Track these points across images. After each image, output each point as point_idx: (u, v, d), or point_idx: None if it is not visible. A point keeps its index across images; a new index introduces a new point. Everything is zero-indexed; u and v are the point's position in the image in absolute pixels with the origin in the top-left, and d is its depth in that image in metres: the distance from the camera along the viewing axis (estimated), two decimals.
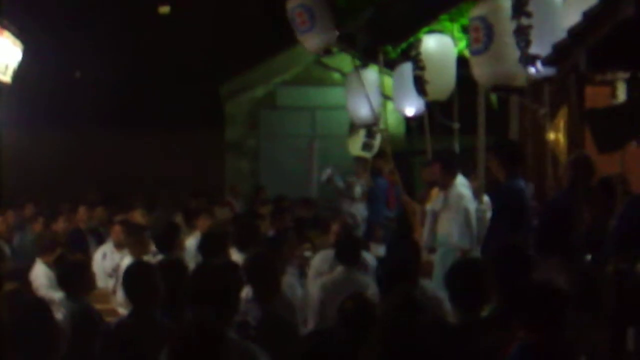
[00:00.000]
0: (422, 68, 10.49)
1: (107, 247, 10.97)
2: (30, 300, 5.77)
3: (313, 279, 8.41)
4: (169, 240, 8.95)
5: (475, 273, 5.47)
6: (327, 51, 12.44)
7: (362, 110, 12.23)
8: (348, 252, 7.80)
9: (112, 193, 16.25)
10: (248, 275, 6.08)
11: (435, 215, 9.58)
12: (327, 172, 13.99)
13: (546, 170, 9.54)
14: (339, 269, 7.71)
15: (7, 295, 5.84)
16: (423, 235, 9.77)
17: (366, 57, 13.33)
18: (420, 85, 10.57)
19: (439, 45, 10.62)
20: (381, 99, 12.50)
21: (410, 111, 11.54)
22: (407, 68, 11.21)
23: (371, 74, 12.51)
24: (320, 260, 8.69)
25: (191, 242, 10.19)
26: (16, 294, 5.84)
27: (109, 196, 15.52)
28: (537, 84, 8.96)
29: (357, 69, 12.31)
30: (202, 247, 8.39)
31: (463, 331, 5.18)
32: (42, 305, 5.20)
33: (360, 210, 13.06)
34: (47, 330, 5.02)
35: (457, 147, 10.88)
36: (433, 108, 10.92)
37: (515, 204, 8.15)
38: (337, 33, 11.98)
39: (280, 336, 5.51)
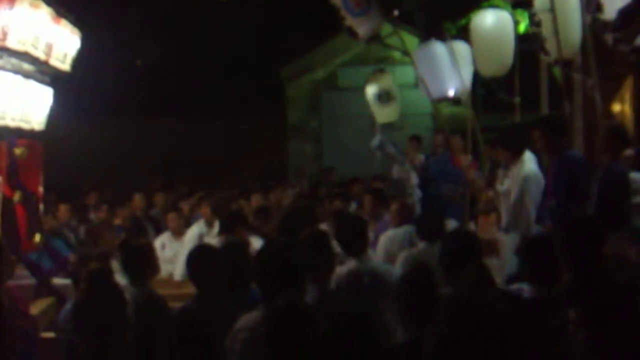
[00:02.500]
0: (472, 44, 10.39)
1: (166, 237, 10.99)
2: (112, 283, 5.76)
3: (384, 257, 8.36)
4: (231, 223, 8.98)
5: (549, 248, 5.46)
6: (374, 38, 12.12)
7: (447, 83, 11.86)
8: (430, 227, 7.80)
9: (173, 180, 16.29)
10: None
11: (505, 196, 9.38)
12: (378, 138, 13.85)
13: (597, 143, 9.31)
14: (421, 245, 7.78)
15: (91, 273, 5.81)
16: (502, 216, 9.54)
17: (426, 34, 13.12)
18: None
19: (495, 20, 10.45)
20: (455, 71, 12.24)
21: (450, 92, 11.35)
22: (440, 48, 11.09)
23: (439, 47, 12.12)
24: (388, 240, 8.62)
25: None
26: (101, 273, 5.82)
27: (169, 183, 15.54)
28: (585, 54, 8.82)
29: (425, 43, 11.95)
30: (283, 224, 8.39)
31: (537, 307, 5.08)
32: (120, 291, 5.20)
33: (413, 177, 12.95)
34: (123, 315, 5.01)
35: (518, 123, 10.72)
36: (490, 84, 10.74)
37: (580, 174, 8.01)
38: (382, 19, 11.71)
39: None
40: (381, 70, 14.40)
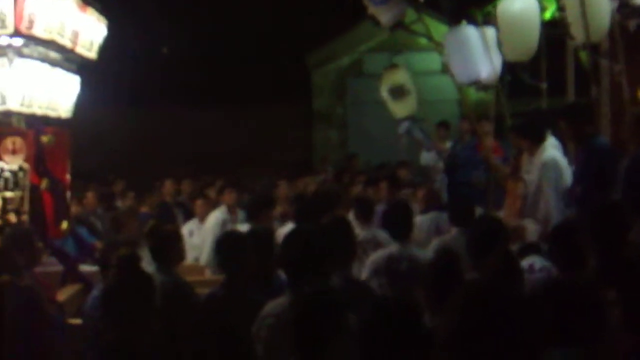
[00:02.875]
0: (498, 29, 10.36)
1: (194, 224, 11.03)
2: (141, 270, 5.79)
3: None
4: (257, 210, 9.01)
5: (575, 235, 5.46)
6: (398, 25, 12.09)
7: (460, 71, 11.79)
8: (462, 213, 7.82)
9: (198, 169, 16.32)
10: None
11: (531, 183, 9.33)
12: (405, 124, 13.80)
13: (624, 130, 9.24)
14: (454, 230, 7.79)
15: (121, 259, 5.85)
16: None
17: (455, 19, 13.03)
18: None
19: (520, 5, 10.40)
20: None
21: (483, 76, 11.26)
22: (472, 32, 11.03)
23: (470, 31, 11.97)
24: (415, 227, 8.64)
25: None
26: (130, 259, 5.85)
27: (196, 172, 15.57)
28: (612, 39, 8.76)
29: (457, 27, 11.83)
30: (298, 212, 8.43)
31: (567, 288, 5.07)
32: (149, 278, 5.22)
33: (439, 164, 12.95)
34: (151, 302, 5.03)
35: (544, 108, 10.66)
36: (516, 69, 10.66)
37: (608, 161, 7.97)
38: (405, 6, 11.67)
39: (362, 303, 5.42)
40: (393, 66, 14.34)
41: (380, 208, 9.32)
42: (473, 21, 11.67)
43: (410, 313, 3.88)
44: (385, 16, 11.61)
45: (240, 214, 10.73)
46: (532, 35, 10.33)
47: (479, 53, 11.34)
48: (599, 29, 9.07)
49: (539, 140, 8.83)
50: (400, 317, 3.82)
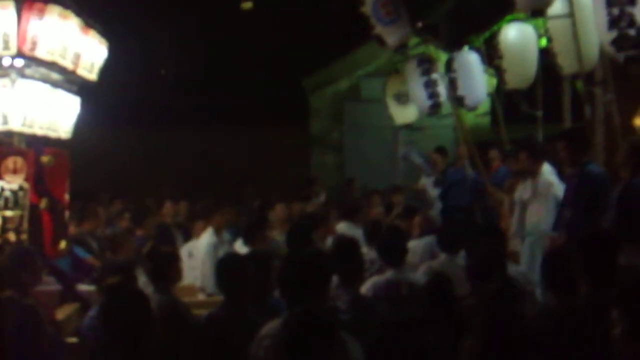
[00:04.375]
0: (501, 57, 10.46)
1: (193, 245, 11.06)
2: (134, 292, 5.82)
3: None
4: (254, 234, 9.10)
5: (567, 260, 5.58)
6: (403, 46, 12.25)
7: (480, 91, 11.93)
8: (451, 239, 7.89)
9: (195, 190, 16.35)
10: (335, 260, 6.15)
11: (525, 205, 9.45)
12: (404, 149, 13.98)
13: (615, 157, 9.36)
14: (442, 256, 7.88)
15: (111, 288, 5.90)
16: (512, 225, 9.64)
17: (450, 46, 13.15)
18: (499, 74, 10.57)
19: (519, 34, 10.55)
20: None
21: (480, 102, 11.51)
22: (470, 58, 11.19)
23: (473, 57, 12.11)
24: (410, 251, 8.70)
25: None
26: (120, 287, 5.91)
27: (187, 192, 15.57)
28: (603, 69, 8.90)
29: (461, 51, 11.97)
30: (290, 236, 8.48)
31: (566, 315, 5.15)
32: (145, 299, 5.26)
33: (433, 189, 13.04)
34: (147, 324, 5.07)
35: (540, 136, 10.77)
36: (515, 97, 10.80)
37: (600, 188, 8.10)
38: (410, 29, 11.83)
39: (371, 320, 5.50)
40: (396, 71, 14.51)
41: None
42: (473, 47, 11.85)
43: (419, 333, 3.96)
44: (391, 37, 11.78)
45: (225, 235, 10.81)
46: (530, 63, 10.49)
47: (480, 77, 11.54)
48: (588, 59, 9.24)
49: (542, 160, 9.23)
50: (409, 336, 3.90)
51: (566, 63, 9.52)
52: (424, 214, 9.96)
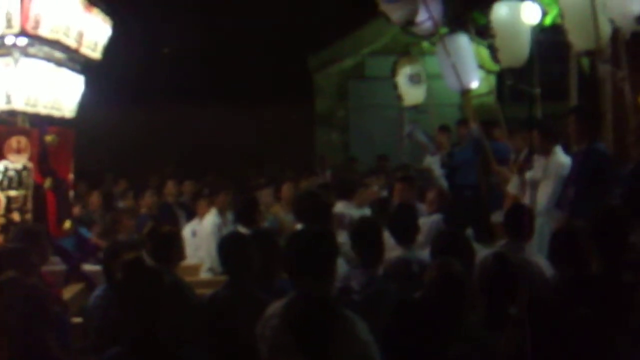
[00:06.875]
0: (493, 35, 10.49)
1: (196, 224, 11.04)
2: (150, 269, 5.79)
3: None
4: (249, 214, 9.06)
5: (574, 237, 5.59)
6: (410, 23, 12.22)
7: (451, 78, 12.03)
8: (457, 218, 7.84)
9: (200, 169, 16.34)
10: (353, 240, 6.19)
11: (535, 184, 9.39)
12: (409, 127, 13.96)
13: (626, 135, 9.32)
14: None
15: (127, 264, 5.87)
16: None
17: (455, 24, 13.12)
18: (493, 52, 10.59)
19: (510, 12, 10.58)
20: (476, 65, 12.31)
21: (474, 84, 11.51)
22: (462, 40, 11.21)
23: (463, 40, 12.22)
24: None
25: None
26: (136, 263, 5.88)
27: (197, 171, 15.57)
28: (614, 46, 8.83)
29: (442, 37, 12.09)
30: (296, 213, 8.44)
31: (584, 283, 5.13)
32: (160, 276, 5.21)
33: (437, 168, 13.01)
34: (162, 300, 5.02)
35: (539, 114, 10.79)
36: (507, 75, 10.86)
37: (605, 167, 8.07)
38: (416, 7, 11.80)
39: (383, 302, 5.46)
40: (408, 53, 14.47)
41: None
42: (469, 29, 11.91)
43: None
44: (396, 14, 11.76)
45: (229, 215, 10.78)
46: (522, 42, 10.50)
47: (471, 61, 11.58)
48: (603, 35, 9.16)
49: (555, 140, 9.04)
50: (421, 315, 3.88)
51: (578, 40, 9.42)
52: (439, 189, 9.86)
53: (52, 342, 6.04)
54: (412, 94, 13.83)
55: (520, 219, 6.99)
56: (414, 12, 11.82)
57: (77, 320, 7.20)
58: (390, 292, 5.82)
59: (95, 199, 12.35)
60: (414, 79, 13.71)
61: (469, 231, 8.12)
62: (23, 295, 5.74)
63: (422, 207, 9.82)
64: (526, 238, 6.88)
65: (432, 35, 12.31)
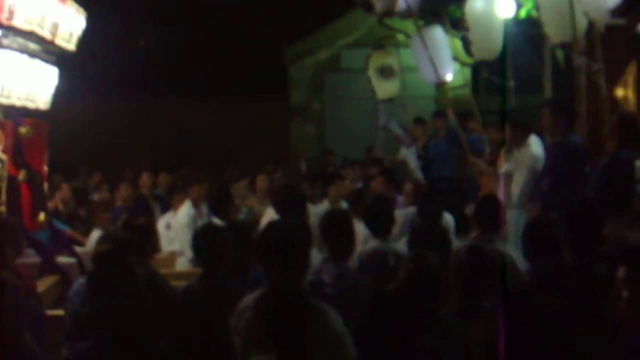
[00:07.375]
0: (467, 28, 10.58)
1: (170, 217, 11.01)
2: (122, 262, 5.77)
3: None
4: (224, 207, 9.07)
5: (548, 230, 5.70)
6: (389, 13, 12.26)
7: (426, 71, 12.05)
8: (430, 210, 7.83)
9: (175, 161, 16.30)
10: (324, 232, 6.14)
11: (509, 176, 9.45)
12: (384, 119, 14.05)
13: (601, 128, 9.39)
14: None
15: (98, 256, 5.86)
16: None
17: (431, 16, 13.14)
18: (466, 45, 10.67)
19: (484, 5, 10.64)
20: (451, 57, 12.35)
21: (449, 77, 11.56)
22: (437, 32, 11.27)
23: (438, 32, 12.23)
24: None
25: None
26: (107, 256, 5.86)
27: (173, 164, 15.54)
28: (589, 39, 8.90)
29: (420, 29, 12.11)
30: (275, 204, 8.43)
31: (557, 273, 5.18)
32: (132, 269, 5.19)
33: (412, 160, 13.05)
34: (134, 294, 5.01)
35: (512, 106, 10.90)
36: (481, 68, 10.93)
37: (579, 160, 8.12)
38: None
39: (356, 295, 5.48)
40: (381, 47, 14.50)
41: None
42: (444, 22, 11.96)
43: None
44: (380, 3, 11.77)
45: (204, 207, 10.77)
46: (495, 35, 10.56)
47: (446, 53, 11.63)
48: (579, 27, 9.22)
49: (527, 133, 9.08)
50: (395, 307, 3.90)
51: (554, 32, 9.49)
52: (416, 182, 9.91)
53: (26, 335, 6.03)
54: (384, 87, 13.89)
55: (490, 211, 7.04)
56: (395, 3, 11.84)
57: (53, 312, 7.19)
58: (362, 284, 5.83)
59: (64, 191, 12.31)
60: (385, 73, 13.76)
61: (450, 220, 8.20)
62: None
63: (400, 199, 9.88)
64: (497, 229, 6.90)
65: (409, 17, 12.26)
